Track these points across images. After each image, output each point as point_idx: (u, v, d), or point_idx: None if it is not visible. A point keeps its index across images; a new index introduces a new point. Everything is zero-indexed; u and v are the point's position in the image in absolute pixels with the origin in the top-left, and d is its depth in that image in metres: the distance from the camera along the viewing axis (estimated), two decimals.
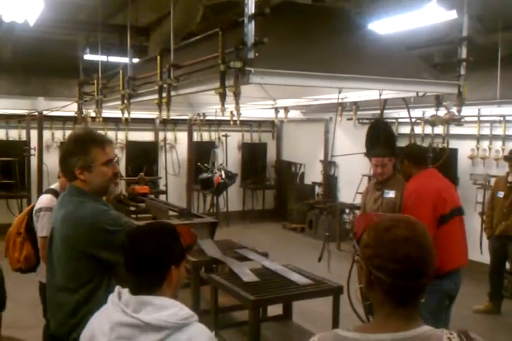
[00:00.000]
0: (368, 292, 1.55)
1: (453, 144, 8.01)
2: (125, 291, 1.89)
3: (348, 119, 8.06)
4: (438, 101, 4.68)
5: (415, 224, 1.53)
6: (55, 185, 4.49)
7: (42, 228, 4.08)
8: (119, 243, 2.42)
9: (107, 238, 2.43)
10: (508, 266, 6.36)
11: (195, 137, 11.77)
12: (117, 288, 1.92)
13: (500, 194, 6.21)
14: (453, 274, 4.18)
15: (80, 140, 2.59)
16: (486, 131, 7.95)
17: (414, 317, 1.51)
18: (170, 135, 11.92)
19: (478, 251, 7.32)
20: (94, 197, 2.57)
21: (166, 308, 1.81)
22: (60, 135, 10.77)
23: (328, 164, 11.16)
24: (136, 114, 7.66)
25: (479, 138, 8.00)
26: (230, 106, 4.30)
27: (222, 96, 3.84)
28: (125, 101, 6.01)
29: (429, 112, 5.36)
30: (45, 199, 4.25)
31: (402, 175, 4.52)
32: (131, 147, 11.38)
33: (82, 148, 2.53)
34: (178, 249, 1.96)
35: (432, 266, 1.51)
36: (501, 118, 7.57)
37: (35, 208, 4.25)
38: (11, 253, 4.38)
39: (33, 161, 10.03)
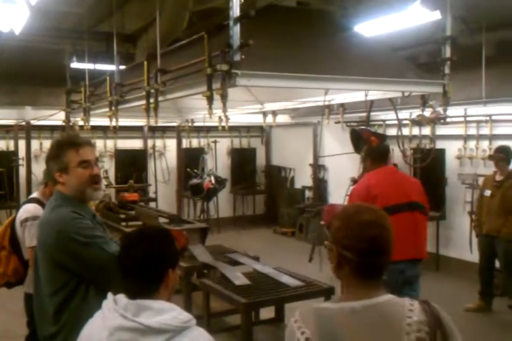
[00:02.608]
0: (339, 270, 1.76)
1: (440, 145, 8.06)
2: (120, 296, 1.87)
3: (336, 123, 8.10)
4: (424, 100, 4.71)
5: (377, 210, 1.80)
6: (35, 194, 4.37)
7: (31, 238, 3.93)
8: (91, 257, 2.40)
9: (72, 247, 2.39)
10: (497, 264, 6.39)
11: (184, 144, 11.77)
12: (110, 294, 1.91)
13: (487, 192, 6.26)
14: (394, 265, 4.09)
15: (57, 144, 2.63)
16: (472, 131, 8.00)
17: (379, 288, 1.74)
18: (159, 142, 11.91)
19: (468, 250, 7.36)
20: (73, 201, 2.55)
21: (165, 312, 1.81)
22: (49, 144, 10.64)
23: (317, 168, 11.18)
24: (124, 122, 7.65)
25: (466, 138, 8.05)
26: (218, 112, 4.32)
27: (210, 100, 3.86)
28: (113, 108, 6.01)
29: (416, 114, 5.39)
30: (29, 209, 4.14)
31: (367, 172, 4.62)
32: (120, 155, 11.33)
33: (58, 151, 2.57)
34: (174, 252, 1.98)
35: (391, 245, 1.75)
36: (487, 118, 7.63)
37: (21, 218, 4.11)
38: None
39: (22, 171, 9.97)
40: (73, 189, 2.55)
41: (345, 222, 1.76)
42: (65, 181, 2.54)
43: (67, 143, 2.58)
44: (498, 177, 6.22)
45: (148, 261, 1.88)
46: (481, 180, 7.01)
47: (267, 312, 5.21)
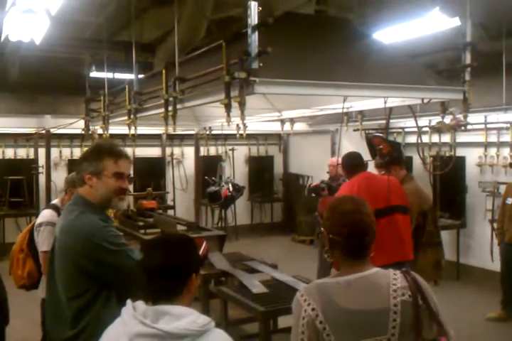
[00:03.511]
0: (331, 251, 2.13)
1: (460, 152, 7.98)
2: (139, 303, 1.89)
3: (355, 130, 8.05)
4: (444, 107, 4.65)
5: (356, 199, 2.20)
6: (56, 200, 4.50)
7: (42, 242, 4.08)
8: (118, 265, 2.43)
9: (101, 254, 2.42)
10: None
11: (202, 152, 11.78)
12: (129, 301, 1.92)
13: (509, 200, 6.19)
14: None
15: (97, 148, 2.67)
16: (493, 138, 7.92)
17: (366, 264, 2.09)
18: (177, 150, 11.96)
19: (490, 258, 7.26)
20: (96, 208, 2.57)
21: (183, 317, 1.82)
22: (68, 153, 10.83)
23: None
24: (142, 130, 7.68)
25: (486, 145, 7.97)
26: (236, 119, 4.31)
27: (228, 107, 3.85)
28: (132, 116, 6.04)
29: (436, 121, 5.34)
30: (45, 214, 4.26)
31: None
32: (139, 163, 11.37)
33: (96, 155, 2.59)
34: (197, 257, 2.03)
35: (372, 228, 2.09)
36: (508, 125, 7.54)
37: (36, 223, 4.26)
38: (15, 271, 4.40)
39: (41, 179, 10.07)
40: (99, 195, 2.57)
41: (331, 212, 2.14)
42: (93, 185, 2.56)
43: (107, 150, 2.61)
44: None
45: (174, 262, 1.91)
46: (502, 188, 6.92)
47: (285, 321, 5.17)
